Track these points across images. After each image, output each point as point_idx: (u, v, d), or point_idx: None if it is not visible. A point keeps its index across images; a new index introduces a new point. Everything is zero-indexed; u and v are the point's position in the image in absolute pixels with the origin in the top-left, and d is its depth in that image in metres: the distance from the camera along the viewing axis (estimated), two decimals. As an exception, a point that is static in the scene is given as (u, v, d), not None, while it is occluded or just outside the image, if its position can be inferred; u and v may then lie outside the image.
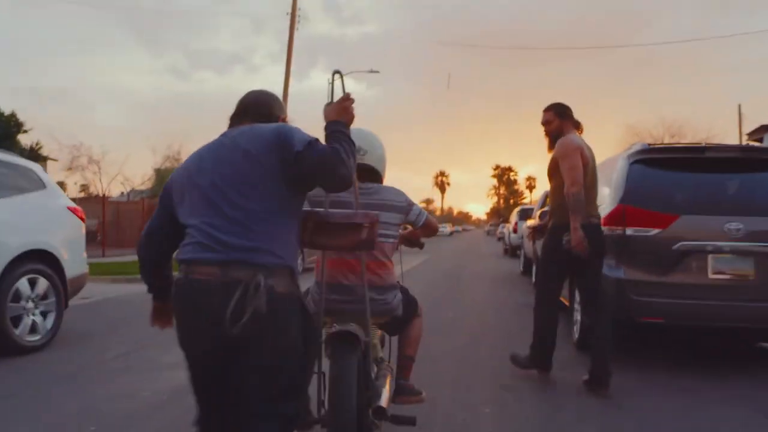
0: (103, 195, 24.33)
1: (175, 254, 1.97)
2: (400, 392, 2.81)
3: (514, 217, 19.69)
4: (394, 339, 2.99)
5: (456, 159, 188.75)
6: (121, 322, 6.53)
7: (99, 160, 25.20)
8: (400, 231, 2.88)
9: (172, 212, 1.94)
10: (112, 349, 5.15)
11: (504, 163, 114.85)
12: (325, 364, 2.31)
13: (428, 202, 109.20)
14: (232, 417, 1.88)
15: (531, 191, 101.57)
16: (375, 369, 2.64)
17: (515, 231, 17.93)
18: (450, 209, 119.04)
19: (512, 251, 19.28)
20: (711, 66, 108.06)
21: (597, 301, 3.94)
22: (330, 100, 2.04)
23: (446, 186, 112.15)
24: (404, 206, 2.76)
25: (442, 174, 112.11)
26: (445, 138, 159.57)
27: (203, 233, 1.79)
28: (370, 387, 2.45)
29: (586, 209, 3.78)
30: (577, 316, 5.05)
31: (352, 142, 1.90)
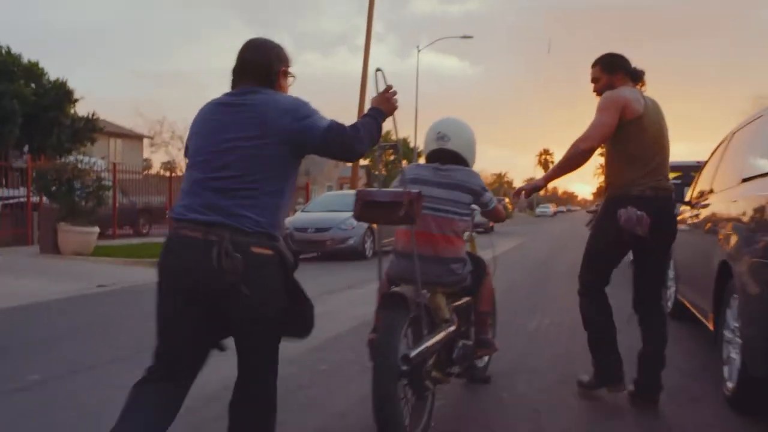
0: (170, 171, 23.90)
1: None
2: (479, 345, 3.29)
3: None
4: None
5: (562, 138, 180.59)
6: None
7: (182, 135, 25.12)
8: (473, 211, 3.26)
9: None
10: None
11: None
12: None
13: (530, 180, 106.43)
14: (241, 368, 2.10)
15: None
16: (432, 329, 2.86)
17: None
18: (555, 189, 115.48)
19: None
20: None
21: (654, 300, 3.42)
22: (376, 93, 2.34)
23: (550, 165, 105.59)
24: (477, 189, 3.17)
25: (545, 152, 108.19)
26: (551, 115, 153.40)
27: (195, 194, 2.03)
28: (421, 342, 2.71)
29: (640, 178, 3.23)
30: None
31: (378, 127, 2.21)
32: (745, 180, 3.76)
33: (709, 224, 4.35)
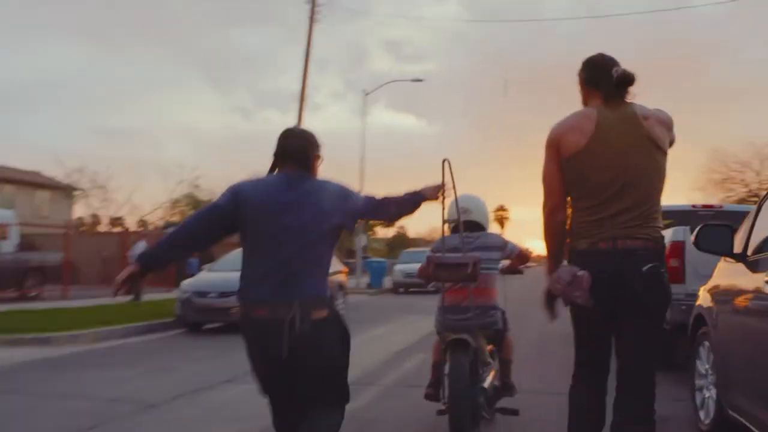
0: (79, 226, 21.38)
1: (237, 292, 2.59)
2: (506, 387, 4.03)
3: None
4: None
5: (516, 195, 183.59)
6: None
7: (105, 185, 22.59)
8: (501, 264, 4.06)
9: (233, 223, 2.54)
10: None
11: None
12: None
13: None
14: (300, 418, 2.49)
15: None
16: (483, 368, 3.76)
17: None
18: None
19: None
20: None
21: (637, 386, 2.51)
22: (442, 179, 2.88)
23: (505, 221, 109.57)
24: (501, 245, 4.01)
25: (501, 208, 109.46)
26: (505, 174, 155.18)
27: (263, 275, 2.47)
28: (478, 379, 3.62)
29: (590, 226, 2.53)
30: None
31: (414, 204, 2.71)
32: None
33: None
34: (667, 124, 2.61)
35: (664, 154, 2.57)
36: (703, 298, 4.17)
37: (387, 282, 22.72)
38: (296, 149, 2.61)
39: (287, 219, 2.44)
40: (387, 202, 2.65)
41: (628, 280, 2.44)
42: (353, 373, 2.85)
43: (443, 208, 3.17)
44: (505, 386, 4.04)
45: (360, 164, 24.40)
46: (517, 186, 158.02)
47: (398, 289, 21.11)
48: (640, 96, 2.60)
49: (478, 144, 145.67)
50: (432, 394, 3.94)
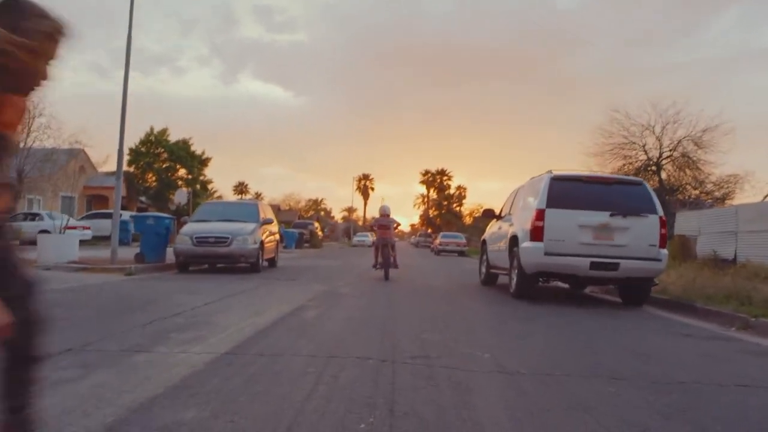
0: None
1: None
2: (392, 263, 14.02)
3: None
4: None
5: (383, 171, 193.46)
6: None
7: None
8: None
9: None
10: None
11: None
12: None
13: (350, 210, 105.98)
14: None
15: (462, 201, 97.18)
16: (389, 254, 14.34)
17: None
18: (374, 218, 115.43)
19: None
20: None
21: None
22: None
23: (370, 191, 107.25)
24: (395, 222, 14.87)
25: (365, 177, 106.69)
26: (372, 150, 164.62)
27: None
28: (382, 256, 14.39)
29: None
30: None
31: None
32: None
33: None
34: None
35: None
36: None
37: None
38: None
39: None
40: None
41: None
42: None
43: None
44: (393, 261, 13.95)
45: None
46: (385, 163, 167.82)
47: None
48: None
49: (344, 118, 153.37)
50: (376, 265, 14.19)
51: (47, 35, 2.12)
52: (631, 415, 3.43)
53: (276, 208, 41.26)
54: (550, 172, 9.91)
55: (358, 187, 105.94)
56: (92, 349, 4.70)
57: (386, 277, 13.24)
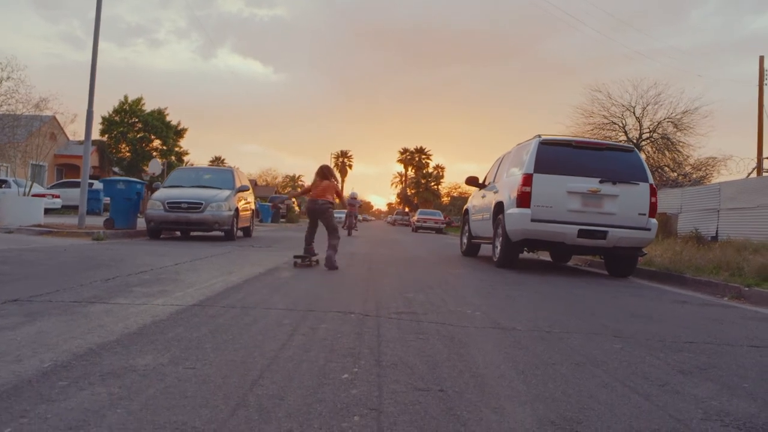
0: None
1: None
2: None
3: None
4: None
5: (362, 151, 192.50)
6: None
7: None
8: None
9: None
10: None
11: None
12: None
13: None
14: None
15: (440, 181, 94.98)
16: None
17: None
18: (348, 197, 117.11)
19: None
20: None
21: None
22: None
23: (348, 168, 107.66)
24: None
25: (343, 155, 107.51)
26: (351, 129, 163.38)
27: None
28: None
29: None
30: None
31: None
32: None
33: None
34: None
35: None
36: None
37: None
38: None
39: None
40: None
41: None
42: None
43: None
44: (354, 224, 16.08)
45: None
46: (364, 142, 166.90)
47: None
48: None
49: (324, 96, 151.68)
50: (344, 227, 15.18)
51: None
52: (646, 370, 3.07)
53: (253, 183, 41.75)
54: (539, 136, 9.51)
55: (336, 164, 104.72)
56: (42, 300, 4.20)
57: (349, 233, 18.71)
